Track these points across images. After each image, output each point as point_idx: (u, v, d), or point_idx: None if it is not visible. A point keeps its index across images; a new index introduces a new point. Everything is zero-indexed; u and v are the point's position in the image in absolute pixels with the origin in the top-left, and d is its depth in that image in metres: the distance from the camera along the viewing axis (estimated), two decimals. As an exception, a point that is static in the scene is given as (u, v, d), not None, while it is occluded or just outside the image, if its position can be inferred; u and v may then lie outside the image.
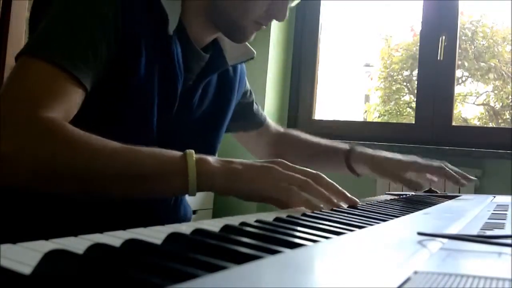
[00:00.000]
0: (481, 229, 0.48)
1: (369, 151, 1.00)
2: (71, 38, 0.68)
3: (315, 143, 1.13)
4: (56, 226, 0.68)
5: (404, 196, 0.97)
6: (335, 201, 0.64)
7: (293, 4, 0.85)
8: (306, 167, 0.67)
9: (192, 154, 0.63)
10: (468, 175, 0.93)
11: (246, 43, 0.91)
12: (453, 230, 0.47)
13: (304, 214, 0.54)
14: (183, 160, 0.63)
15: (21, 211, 0.73)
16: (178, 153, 0.64)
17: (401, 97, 3.13)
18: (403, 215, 0.61)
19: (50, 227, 0.70)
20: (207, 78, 0.86)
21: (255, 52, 0.94)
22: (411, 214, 0.62)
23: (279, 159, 0.67)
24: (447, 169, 0.93)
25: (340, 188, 0.67)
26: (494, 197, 1.02)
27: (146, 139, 0.73)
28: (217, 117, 0.92)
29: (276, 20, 0.81)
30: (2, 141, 0.58)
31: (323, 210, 0.60)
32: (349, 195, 0.67)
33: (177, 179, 0.63)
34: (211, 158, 0.65)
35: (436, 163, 0.96)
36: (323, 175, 0.67)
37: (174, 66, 0.78)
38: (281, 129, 1.15)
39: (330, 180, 0.67)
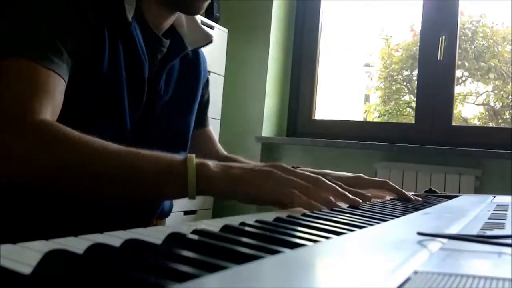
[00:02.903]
0: (481, 229, 0.48)
1: (310, 169, 0.97)
2: (40, 32, 0.68)
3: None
4: (55, 226, 0.68)
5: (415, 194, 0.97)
6: (335, 202, 0.64)
7: None
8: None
9: (192, 159, 0.63)
10: (408, 196, 0.92)
11: (204, 27, 0.94)
12: (453, 230, 0.47)
13: (304, 214, 0.54)
14: (183, 164, 0.63)
15: (21, 211, 0.73)
16: (178, 157, 0.64)
17: (401, 97, 3.13)
18: (403, 215, 0.61)
19: (50, 227, 0.70)
20: (170, 62, 0.87)
21: (213, 36, 0.96)
22: (411, 214, 0.62)
23: (278, 163, 0.67)
24: (391, 184, 0.92)
25: (340, 189, 0.67)
26: (494, 197, 1.02)
27: (120, 131, 0.74)
28: (185, 102, 0.94)
29: None
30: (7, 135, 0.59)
31: (323, 210, 0.60)
32: (350, 196, 0.67)
33: (177, 183, 0.63)
34: (211, 163, 0.65)
35: (380, 179, 0.95)
36: (323, 178, 0.67)
37: (138, 52, 0.79)
38: (224, 152, 1.13)
39: (330, 183, 0.66)
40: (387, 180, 0.92)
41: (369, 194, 0.80)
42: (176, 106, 0.90)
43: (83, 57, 0.72)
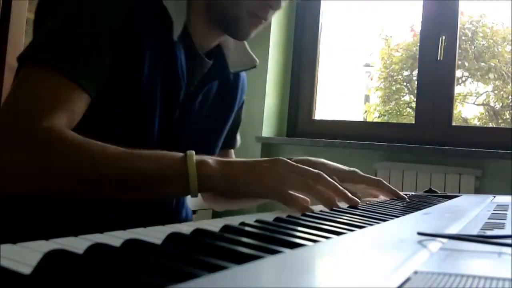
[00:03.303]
0: (481, 229, 0.48)
1: (312, 159, 0.96)
2: (76, 45, 0.68)
3: None
4: (56, 226, 0.68)
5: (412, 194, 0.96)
6: (335, 201, 0.64)
7: None
8: None
9: (193, 156, 0.63)
10: (402, 195, 0.91)
11: (250, 51, 0.91)
12: (453, 230, 0.47)
13: (304, 214, 0.54)
14: (183, 162, 0.63)
15: (22, 211, 0.73)
16: (178, 155, 0.64)
17: (401, 97, 3.13)
18: (403, 215, 0.61)
19: (50, 227, 0.70)
20: (208, 85, 0.85)
21: (258, 61, 0.93)
22: (411, 214, 0.62)
23: (280, 158, 0.67)
24: (384, 182, 0.91)
25: (341, 187, 0.67)
26: (494, 197, 1.02)
27: (147, 147, 0.73)
28: (216, 124, 0.92)
29: (271, 8, 0.80)
30: (1, 154, 0.60)
31: (323, 210, 0.60)
32: (350, 194, 0.67)
33: (178, 182, 0.63)
34: (211, 160, 0.65)
35: (373, 177, 0.94)
36: (324, 175, 0.66)
37: (177, 73, 0.78)
38: None
39: (331, 180, 0.66)
40: (381, 179, 0.91)
41: (359, 194, 0.79)
42: (207, 127, 0.88)
43: (120, 72, 0.71)
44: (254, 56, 0.93)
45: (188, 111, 0.83)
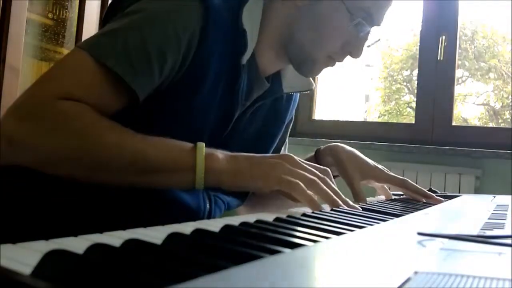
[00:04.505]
0: (481, 229, 0.48)
1: (346, 147, 0.96)
2: (137, 47, 0.66)
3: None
4: (58, 226, 0.68)
5: (404, 196, 0.96)
6: (339, 202, 0.64)
7: (370, 43, 0.84)
8: None
9: (202, 149, 0.63)
10: (429, 193, 0.90)
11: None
12: (453, 230, 0.47)
13: (304, 214, 0.54)
14: (192, 155, 0.63)
15: (22, 211, 0.73)
16: (188, 147, 0.64)
17: (401, 97, 3.13)
18: (403, 215, 0.61)
19: (50, 227, 0.70)
20: (260, 103, 0.85)
21: (314, 85, 0.92)
22: (411, 214, 0.62)
23: (287, 154, 0.67)
24: (410, 181, 0.90)
25: (341, 195, 0.66)
26: (494, 197, 1.02)
27: None
28: (263, 142, 0.91)
29: (351, 57, 0.81)
30: (18, 125, 0.60)
31: (323, 210, 0.60)
32: (351, 202, 0.67)
33: (185, 174, 0.63)
34: (220, 155, 0.65)
35: (398, 176, 0.93)
36: (330, 175, 0.67)
37: (237, 95, 0.77)
38: None
39: (332, 183, 0.66)
40: (406, 179, 0.90)
41: (366, 198, 0.80)
42: (254, 144, 0.87)
43: (181, 87, 0.70)
44: (311, 81, 0.92)
45: (236, 129, 0.82)
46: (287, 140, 1.04)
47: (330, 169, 0.81)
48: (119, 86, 0.65)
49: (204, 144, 0.64)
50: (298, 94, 0.97)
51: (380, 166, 0.91)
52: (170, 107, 0.72)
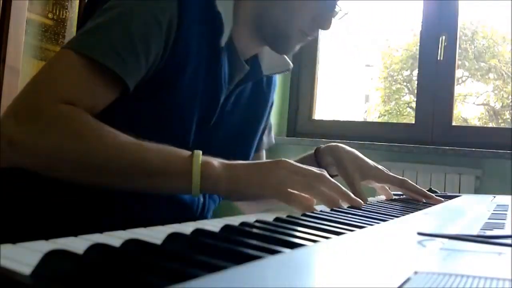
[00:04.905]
0: (481, 229, 0.48)
1: (346, 147, 0.96)
2: (113, 35, 0.68)
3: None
4: (58, 226, 0.68)
5: (404, 196, 0.96)
6: (338, 201, 0.64)
7: (339, 15, 0.86)
8: None
9: (199, 157, 0.64)
10: (429, 194, 0.90)
11: (285, 55, 0.91)
12: (453, 230, 0.47)
13: (304, 214, 0.54)
14: (188, 162, 0.63)
15: (22, 211, 0.73)
16: (185, 154, 0.65)
17: (401, 97, 3.13)
18: (403, 215, 0.61)
19: (50, 227, 0.70)
20: (242, 85, 0.86)
21: (292, 65, 0.94)
22: (411, 214, 0.62)
23: (282, 159, 0.67)
24: (409, 182, 0.90)
25: (343, 188, 0.67)
26: (494, 197, 1.02)
27: (182, 148, 0.73)
28: (251, 126, 0.92)
29: (321, 29, 0.82)
30: (18, 127, 0.61)
31: (323, 210, 0.60)
32: (352, 195, 0.67)
33: (181, 180, 0.63)
34: (216, 162, 0.65)
35: (399, 177, 0.93)
36: (326, 175, 0.66)
37: (220, 78, 0.78)
38: None
39: (334, 181, 0.66)
40: (406, 179, 0.90)
41: (367, 198, 0.80)
42: (241, 129, 0.89)
43: (162, 70, 0.71)
44: (288, 60, 0.93)
45: (221, 114, 0.83)
46: (271, 122, 1.05)
47: (330, 169, 0.80)
48: (109, 78, 0.66)
49: (201, 152, 0.64)
50: (277, 79, 1.00)
51: (380, 166, 0.91)
52: (157, 95, 0.73)
